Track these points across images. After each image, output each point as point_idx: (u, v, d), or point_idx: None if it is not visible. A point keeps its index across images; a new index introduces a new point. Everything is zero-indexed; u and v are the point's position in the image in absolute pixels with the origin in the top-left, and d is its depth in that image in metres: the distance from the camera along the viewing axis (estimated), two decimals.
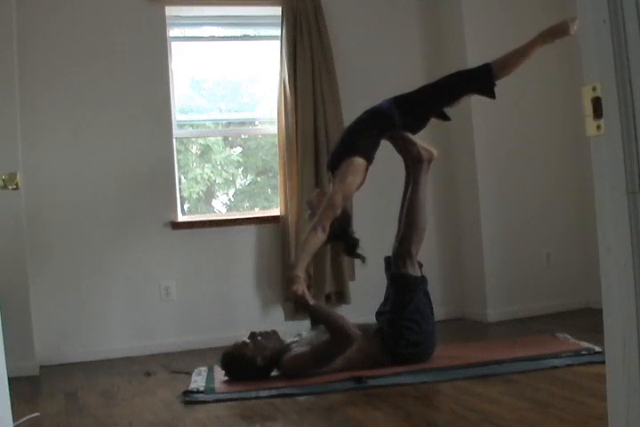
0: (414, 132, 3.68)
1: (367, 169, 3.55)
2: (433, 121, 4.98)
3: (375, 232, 4.33)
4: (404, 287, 3.61)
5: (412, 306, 3.55)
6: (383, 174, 4.81)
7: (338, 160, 3.53)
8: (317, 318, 3.46)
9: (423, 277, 3.68)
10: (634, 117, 1.22)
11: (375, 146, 3.59)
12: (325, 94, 4.63)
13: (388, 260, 3.72)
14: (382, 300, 3.71)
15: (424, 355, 3.56)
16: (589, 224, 4.68)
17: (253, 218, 4.76)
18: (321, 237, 3.37)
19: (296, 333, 3.71)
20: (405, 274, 3.62)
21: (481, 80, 3.56)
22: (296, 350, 3.42)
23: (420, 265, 3.69)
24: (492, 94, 3.61)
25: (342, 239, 3.62)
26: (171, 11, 4.62)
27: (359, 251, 3.60)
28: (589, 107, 1.28)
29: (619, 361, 1.26)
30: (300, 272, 3.33)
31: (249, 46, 5.11)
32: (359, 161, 3.49)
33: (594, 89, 1.27)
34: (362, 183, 3.56)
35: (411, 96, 3.63)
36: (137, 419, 2.90)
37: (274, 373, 3.48)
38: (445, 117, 3.75)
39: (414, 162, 3.72)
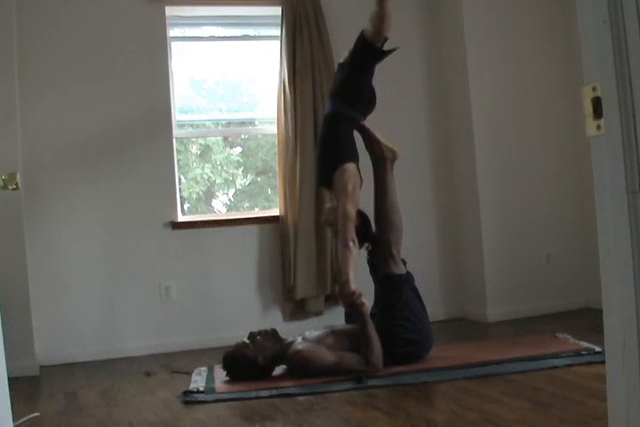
0: (369, 112, 3.71)
1: (358, 168, 3.62)
2: (432, 122, 5.01)
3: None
4: (390, 287, 3.62)
5: (402, 304, 3.56)
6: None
7: (329, 174, 3.58)
8: (361, 333, 3.44)
9: (408, 273, 3.68)
10: (634, 117, 1.22)
11: (353, 145, 3.66)
12: (325, 94, 4.62)
13: (372, 263, 3.72)
14: (372, 303, 3.71)
15: (422, 352, 3.56)
16: (589, 224, 4.68)
17: (253, 218, 4.76)
18: (354, 249, 3.44)
19: (295, 333, 3.70)
20: (390, 274, 3.63)
21: (368, 51, 3.56)
22: (305, 344, 3.42)
23: (404, 262, 3.70)
24: (387, 53, 3.58)
25: (369, 241, 3.69)
26: (171, 11, 4.62)
27: None
28: (589, 107, 1.28)
29: (619, 361, 1.26)
30: (354, 286, 3.38)
31: (249, 46, 5.11)
32: (349, 166, 3.56)
33: (594, 89, 1.27)
34: (361, 183, 3.61)
35: (342, 87, 3.66)
36: (137, 419, 2.91)
37: (275, 371, 3.49)
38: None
39: (378, 161, 3.76)
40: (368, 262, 3.73)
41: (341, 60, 3.78)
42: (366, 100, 3.68)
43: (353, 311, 3.47)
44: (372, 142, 3.76)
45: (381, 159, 3.75)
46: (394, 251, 3.65)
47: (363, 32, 3.55)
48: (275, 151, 4.84)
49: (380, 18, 3.45)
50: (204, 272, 4.57)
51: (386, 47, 3.57)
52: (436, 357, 3.59)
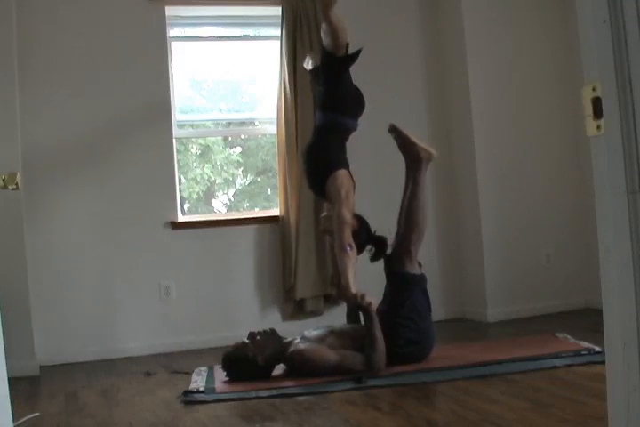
0: (360, 112, 3.73)
1: (350, 173, 3.64)
2: (432, 122, 5.01)
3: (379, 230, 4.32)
4: (401, 286, 3.64)
5: (410, 304, 3.58)
6: (386, 173, 4.83)
7: (321, 183, 3.59)
8: (368, 332, 3.44)
9: (422, 275, 3.70)
10: (634, 117, 1.22)
11: (343, 153, 3.69)
12: None
13: (387, 259, 3.73)
14: (380, 299, 3.72)
15: (422, 353, 3.57)
16: (589, 224, 4.68)
17: (253, 218, 4.76)
18: (352, 254, 3.45)
19: (294, 333, 3.70)
20: (404, 272, 3.65)
21: (336, 62, 3.61)
22: (307, 344, 3.43)
23: (420, 265, 3.71)
24: (354, 58, 3.63)
25: (371, 243, 3.71)
26: (171, 11, 4.62)
27: (389, 250, 3.72)
28: (589, 107, 1.28)
29: (619, 361, 1.26)
30: (354, 288, 3.41)
31: (249, 46, 5.11)
32: (340, 173, 3.57)
33: (594, 89, 1.27)
34: (354, 188, 3.63)
35: (327, 99, 3.69)
36: (137, 419, 2.91)
37: (275, 370, 3.49)
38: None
39: (413, 161, 3.78)
40: (384, 258, 3.74)
41: (310, 66, 3.89)
42: (353, 103, 3.71)
43: (364, 312, 3.47)
44: (406, 144, 3.77)
45: (417, 160, 3.76)
46: (412, 249, 3.67)
47: (324, 47, 3.62)
48: (275, 151, 4.84)
49: (332, 31, 3.51)
50: (204, 272, 4.57)
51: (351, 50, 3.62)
52: (436, 357, 3.59)
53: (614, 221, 1.26)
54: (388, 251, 3.73)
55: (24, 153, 4.11)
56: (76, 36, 4.40)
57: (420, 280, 3.68)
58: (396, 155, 4.80)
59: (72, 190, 4.38)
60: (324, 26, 3.57)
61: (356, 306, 3.51)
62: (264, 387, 3.24)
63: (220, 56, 5.05)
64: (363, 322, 3.55)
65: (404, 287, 3.63)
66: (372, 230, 3.73)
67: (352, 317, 3.76)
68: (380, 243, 3.72)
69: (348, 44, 3.58)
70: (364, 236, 3.66)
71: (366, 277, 3.72)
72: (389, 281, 3.72)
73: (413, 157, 3.77)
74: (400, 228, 3.74)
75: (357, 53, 3.63)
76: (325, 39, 3.59)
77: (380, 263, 3.78)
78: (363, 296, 3.42)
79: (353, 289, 3.41)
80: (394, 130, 3.79)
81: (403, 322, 3.54)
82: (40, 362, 4.02)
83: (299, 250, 4.55)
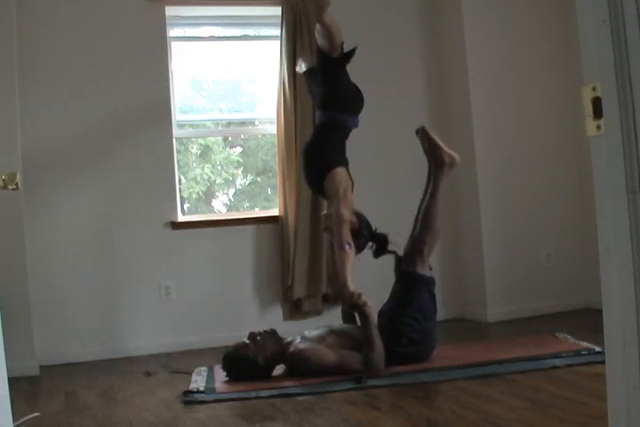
0: (359, 109, 3.75)
1: (349, 172, 3.65)
2: (432, 122, 5.01)
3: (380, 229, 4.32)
4: (410, 285, 3.65)
5: (416, 304, 3.58)
6: (386, 172, 4.83)
7: (319, 180, 3.61)
8: (364, 333, 3.44)
9: (431, 278, 3.71)
10: (634, 117, 1.22)
11: (343, 151, 3.70)
12: None
13: (398, 258, 3.74)
14: (381, 299, 3.72)
15: (423, 354, 3.57)
16: (589, 224, 4.68)
17: (253, 218, 4.76)
18: (350, 252, 3.45)
19: (294, 332, 3.70)
20: (413, 272, 3.66)
21: (333, 62, 3.63)
22: (307, 344, 3.43)
23: (430, 268, 3.72)
24: (350, 56, 3.64)
25: (373, 241, 3.72)
26: (171, 11, 4.62)
27: (390, 247, 3.73)
28: (589, 107, 1.28)
29: (619, 361, 1.26)
30: (352, 287, 3.41)
31: (249, 46, 5.11)
32: (339, 171, 3.59)
33: (594, 89, 1.27)
34: (352, 186, 3.64)
35: (326, 98, 3.71)
36: (137, 419, 2.91)
37: (275, 370, 3.49)
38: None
39: (436, 165, 3.77)
40: (395, 258, 3.75)
41: (304, 68, 3.92)
42: (352, 100, 3.73)
43: (359, 312, 3.47)
44: (432, 147, 3.77)
45: (440, 164, 3.75)
46: (425, 251, 3.68)
47: (319, 48, 3.64)
48: (275, 151, 4.84)
49: (327, 32, 3.52)
50: (204, 272, 4.57)
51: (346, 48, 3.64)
52: (436, 357, 3.59)
53: (614, 221, 1.26)
54: (396, 249, 3.74)
55: (24, 153, 4.11)
56: (76, 36, 4.40)
57: (429, 282, 3.69)
58: (396, 155, 4.83)
59: (72, 190, 4.38)
60: (318, 27, 3.57)
61: (352, 305, 3.49)
62: (264, 387, 3.24)
63: (219, 56, 5.05)
64: (358, 323, 3.55)
65: (413, 288, 3.63)
66: (373, 228, 3.74)
67: (347, 318, 3.76)
68: (380, 240, 3.73)
69: (342, 43, 3.59)
70: (366, 233, 3.66)
71: (369, 277, 3.72)
72: (398, 280, 3.73)
73: (437, 161, 3.76)
74: (415, 228, 3.74)
75: (352, 52, 3.63)
76: (320, 40, 3.60)
77: (382, 265, 3.78)
78: (359, 295, 3.42)
79: (351, 287, 3.41)
80: (421, 131, 3.78)
81: (407, 321, 3.54)
82: (40, 362, 4.02)
83: (297, 250, 4.55)
